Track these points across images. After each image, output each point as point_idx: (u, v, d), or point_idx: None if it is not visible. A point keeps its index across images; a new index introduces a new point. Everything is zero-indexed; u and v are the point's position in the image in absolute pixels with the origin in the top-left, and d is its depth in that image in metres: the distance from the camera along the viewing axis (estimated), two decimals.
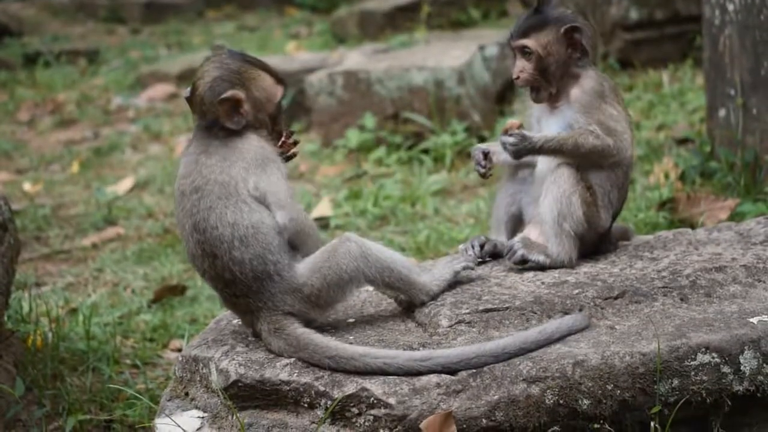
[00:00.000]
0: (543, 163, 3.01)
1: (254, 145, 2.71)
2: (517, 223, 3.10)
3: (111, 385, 3.44)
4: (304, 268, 2.69)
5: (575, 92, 2.99)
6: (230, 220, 2.64)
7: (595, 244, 2.99)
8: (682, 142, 5.30)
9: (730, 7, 4.61)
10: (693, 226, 3.98)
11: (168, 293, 4.36)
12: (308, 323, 2.67)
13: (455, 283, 2.85)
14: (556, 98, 3.01)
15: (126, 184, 5.87)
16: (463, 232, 4.55)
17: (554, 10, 3.03)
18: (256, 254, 2.63)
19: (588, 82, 2.99)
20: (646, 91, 6.34)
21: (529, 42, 3.00)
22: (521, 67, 3.01)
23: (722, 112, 4.73)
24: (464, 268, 2.87)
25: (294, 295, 2.66)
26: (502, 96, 6.11)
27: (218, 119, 2.70)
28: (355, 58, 6.62)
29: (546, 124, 3.03)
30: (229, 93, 2.68)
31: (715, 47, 4.78)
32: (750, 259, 2.85)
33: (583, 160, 2.93)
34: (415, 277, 2.76)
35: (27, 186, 5.98)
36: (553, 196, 2.92)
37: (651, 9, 6.78)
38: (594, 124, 2.93)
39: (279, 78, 2.80)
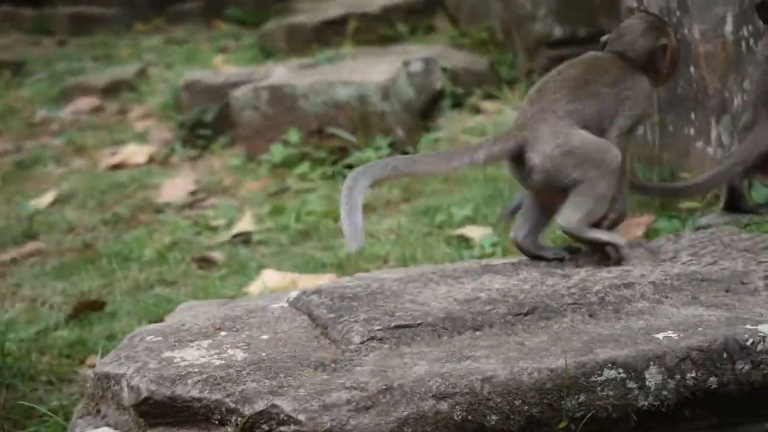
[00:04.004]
0: None
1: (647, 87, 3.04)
2: None
3: (23, 402, 3.41)
4: None
5: None
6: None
7: None
8: None
9: None
10: None
11: (86, 308, 4.33)
12: None
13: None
14: None
15: (47, 197, 5.82)
16: (384, 248, 4.56)
17: None
18: None
19: None
20: None
21: None
22: None
23: (640, 129, 4.80)
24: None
25: None
26: (426, 111, 6.15)
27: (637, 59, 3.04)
28: (281, 72, 6.63)
29: None
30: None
31: None
32: (658, 275, 2.90)
33: None
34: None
35: None
36: None
37: (574, 26, 6.87)
38: None
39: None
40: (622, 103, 2.99)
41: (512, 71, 6.99)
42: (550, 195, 2.99)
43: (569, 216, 2.95)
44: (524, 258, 3.12)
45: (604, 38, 3.14)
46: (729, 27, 4.16)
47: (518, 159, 2.94)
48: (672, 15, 4.47)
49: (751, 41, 4.11)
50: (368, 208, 5.25)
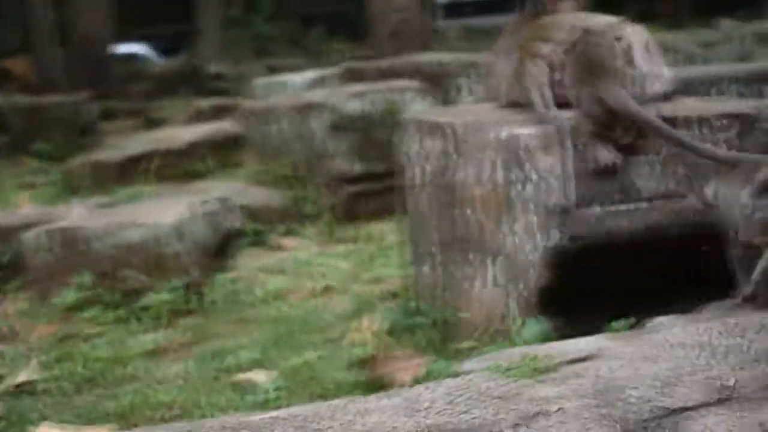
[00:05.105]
0: None
1: None
2: None
3: None
4: None
5: None
6: None
7: None
8: (395, 296, 5.44)
9: (428, 168, 4.83)
10: (390, 385, 4.07)
11: None
12: None
13: None
14: None
15: None
16: (170, 395, 4.50)
17: None
18: None
19: None
20: (369, 242, 6.51)
21: None
22: None
23: (425, 269, 4.91)
24: None
25: None
26: (223, 250, 6.15)
27: None
28: (78, 212, 6.56)
29: None
30: None
31: (416, 206, 4.98)
32: (410, 427, 2.93)
33: None
34: None
35: None
36: None
37: (373, 162, 7.02)
38: None
39: None
40: None
41: (314, 207, 7.08)
42: None
43: None
44: (283, 412, 3.12)
45: None
46: (500, 172, 4.31)
47: None
48: (449, 158, 4.62)
49: (520, 186, 4.27)
50: (160, 352, 5.18)
